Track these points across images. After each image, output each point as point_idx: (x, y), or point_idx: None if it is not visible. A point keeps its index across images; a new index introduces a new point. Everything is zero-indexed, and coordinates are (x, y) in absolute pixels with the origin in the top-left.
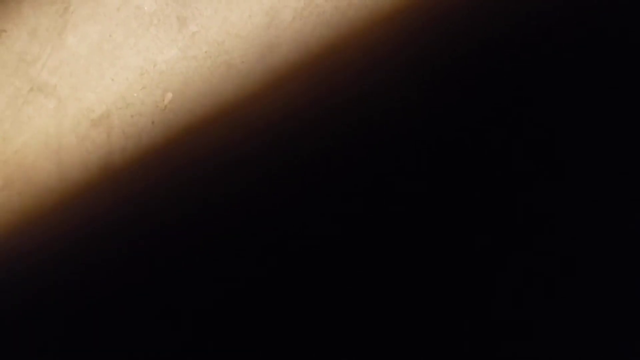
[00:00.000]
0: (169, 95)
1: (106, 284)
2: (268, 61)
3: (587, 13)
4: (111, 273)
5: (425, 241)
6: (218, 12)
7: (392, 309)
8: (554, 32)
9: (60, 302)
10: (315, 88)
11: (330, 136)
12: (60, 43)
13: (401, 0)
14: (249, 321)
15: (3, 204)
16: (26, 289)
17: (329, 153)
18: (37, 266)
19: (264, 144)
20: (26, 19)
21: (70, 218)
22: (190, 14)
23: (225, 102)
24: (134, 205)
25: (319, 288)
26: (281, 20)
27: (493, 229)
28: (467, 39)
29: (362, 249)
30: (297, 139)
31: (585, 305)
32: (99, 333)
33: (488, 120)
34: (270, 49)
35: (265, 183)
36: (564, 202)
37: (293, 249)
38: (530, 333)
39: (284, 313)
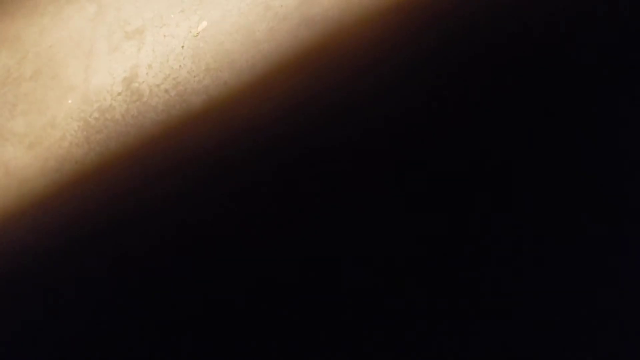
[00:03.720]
0: (204, 24)
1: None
2: (306, 10)
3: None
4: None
5: (424, 235)
6: None
7: (392, 304)
8: (560, 32)
9: (56, 297)
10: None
11: (331, 130)
12: None
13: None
14: (241, 324)
15: (27, 93)
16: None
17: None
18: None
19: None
20: None
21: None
22: None
23: (256, 40)
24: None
25: (316, 288)
26: None
27: (489, 226)
28: (468, 40)
29: (362, 247)
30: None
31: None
32: (94, 331)
33: (490, 120)
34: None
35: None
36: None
37: (293, 245)
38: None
39: (279, 312)
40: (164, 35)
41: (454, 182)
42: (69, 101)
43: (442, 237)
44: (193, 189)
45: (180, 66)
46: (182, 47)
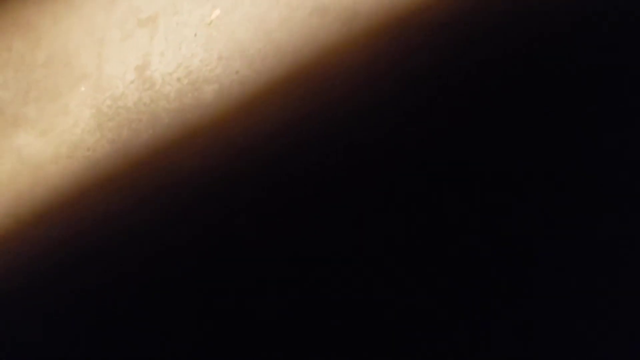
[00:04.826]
0: (217, 12)
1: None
2: None
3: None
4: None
5: (424, 235)
6: None
7: (391, 308)
8: (560, 32)
9: (65, 305)
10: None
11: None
12: None
13: (408, 7)
14: (241, 324)
15: (39, 80)
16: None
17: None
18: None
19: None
20: None
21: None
22: None
23: (268, 30)
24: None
25: (317, 288)
26: None
27: (486, 235)
28: (467, 55)
29: (363, 247)
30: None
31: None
32: (94, 331)
33: (490, 120)
34: None
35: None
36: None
37: (289, 258)
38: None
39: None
40: (177, 24)
41: (454, 182)
42: (82, 88)
43: (441, 237)
44: (203, 179)
45: (192, 54)
46: (195, 35)
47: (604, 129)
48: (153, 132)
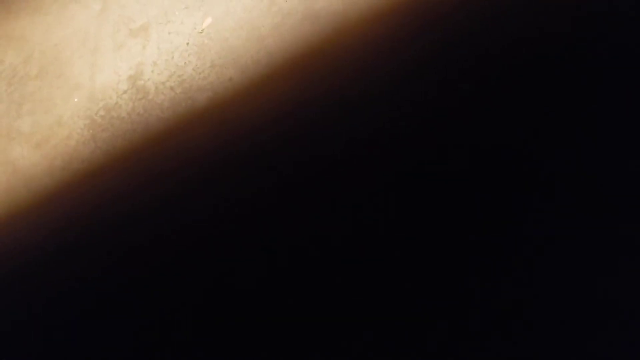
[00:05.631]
0: (209, 20)
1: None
2: (310, 4)
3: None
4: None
5: (423, 236)
6: None
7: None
8: (561, 32)
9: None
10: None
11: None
12: None
13: (403, 4)
14: (241, 323)
15: (33, 92)
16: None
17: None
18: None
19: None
20: None
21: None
22: None
23: (261, 36)
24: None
25: (311, 289)
26: None
27: (486, 230)
28: (465, 45)
29: (362, 247)
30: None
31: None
32: (95, 329)
33: (490, 120)
34: None
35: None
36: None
37: (288, 248)
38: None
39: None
40: (169, 33)
41: (454, 182)
42: (75, 99)
43: (440, 237)
44: (198, 188)
45: (185, 63)
46: (187, 44)
47: (604, 129)
48: (147, 142)
